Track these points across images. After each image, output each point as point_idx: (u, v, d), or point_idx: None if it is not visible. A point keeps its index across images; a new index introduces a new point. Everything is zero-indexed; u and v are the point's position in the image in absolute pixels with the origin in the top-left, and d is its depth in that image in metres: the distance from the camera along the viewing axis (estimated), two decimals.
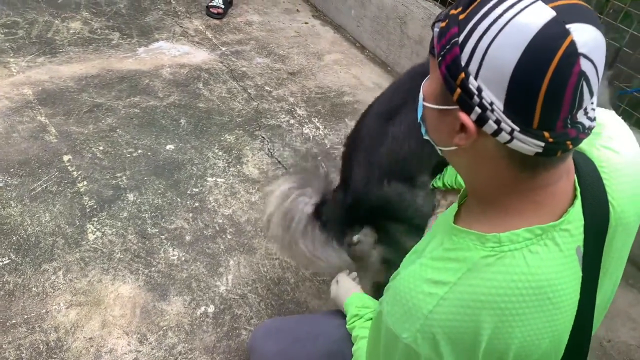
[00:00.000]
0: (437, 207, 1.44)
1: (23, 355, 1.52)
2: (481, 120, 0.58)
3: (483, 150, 0.61)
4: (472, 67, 0.57)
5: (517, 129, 0.57)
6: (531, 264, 0.63)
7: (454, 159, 0.70)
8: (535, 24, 0.53)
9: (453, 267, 0.65)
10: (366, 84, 3.00)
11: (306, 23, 3.58)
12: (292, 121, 2.61)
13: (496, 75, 0.55)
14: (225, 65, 2.97)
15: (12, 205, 1.97)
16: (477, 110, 0.58)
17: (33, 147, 2.24)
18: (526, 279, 0.63)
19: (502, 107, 0.56)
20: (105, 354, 1.55)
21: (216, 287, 1.77)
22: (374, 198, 1.37)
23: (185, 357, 1.56)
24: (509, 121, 0.57)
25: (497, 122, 0.57)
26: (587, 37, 0.54)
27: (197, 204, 2.08)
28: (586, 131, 0.59)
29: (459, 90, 0.58)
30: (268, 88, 2.84)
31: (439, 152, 0.70)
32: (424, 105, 0.68)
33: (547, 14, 0.54)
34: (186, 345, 1.59)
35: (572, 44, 0.53)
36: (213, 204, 2.09)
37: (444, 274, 0.65)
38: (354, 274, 1.54)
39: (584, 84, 0.55)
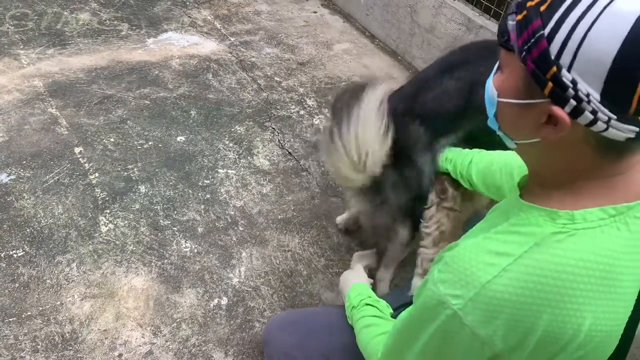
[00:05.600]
0: (429, 199, 1.41)
1: (39, 346, 1.53)
2: (576, 112, 0.57)
3: (569, 139, 0.60)
4: (565, 60, 0.56)
5: (614, 117, 0.56)
6: (602, 245, 0.62)
7: (530, 150, 0.68)
8: (632, 12, 0.52)
9: (519, 241, 0.64)
10: (377, 73, 2.97)
11: (315, 12, 3.55)
12: (302, 112, 2.60)
13: (593, 66, 0.54)
14: (235, 56, 2.95)
15: (25, 197, 1.98)
16: (572, 102, 0.57)
17: (44, 139, 2.24)
18: (595, 260, 0.61)
19: (598, 98, 0.56)
20: (120, 346, 1.56)
21: (229, 279, 1.77)
22: (402, 127, 1.36)
23: (199, 349, 1.56)
24: (605, 110, 0.56)
25: (594, 112, 0.56)
26: None
27: (208, 196, 2.07)
28: None
29: (550, 84, 0.57)
30: (278, 78, 2.82)
31: (509, 145, 0.69)
32: (499, 102, 0.66)
33: (638, 4, 0.53)
34: (200, 337, 1.60)
35: None
36: (224, 195, 2.08)
37: (509, 246, 0.64)
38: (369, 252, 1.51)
39: None
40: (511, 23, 0.60)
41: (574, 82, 0.56)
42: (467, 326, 0.64)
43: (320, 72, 2.91)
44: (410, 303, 1.30)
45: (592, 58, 0.54)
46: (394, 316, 1.15)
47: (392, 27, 3.19)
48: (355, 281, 1.27)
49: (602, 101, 0.55)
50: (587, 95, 0.55)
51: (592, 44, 0.54)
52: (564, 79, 0.56)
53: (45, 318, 1.61)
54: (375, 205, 1.48)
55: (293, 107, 2.62)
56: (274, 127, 2.47)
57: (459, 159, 1.32)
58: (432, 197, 1.42)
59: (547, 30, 0.56)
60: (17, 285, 1.69)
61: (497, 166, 1.19)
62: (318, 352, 1.18)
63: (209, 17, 3.28)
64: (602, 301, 0.62)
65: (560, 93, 0.57)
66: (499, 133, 0.71)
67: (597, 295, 0.61)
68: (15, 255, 1.77)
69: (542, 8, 0.57)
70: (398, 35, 3.15)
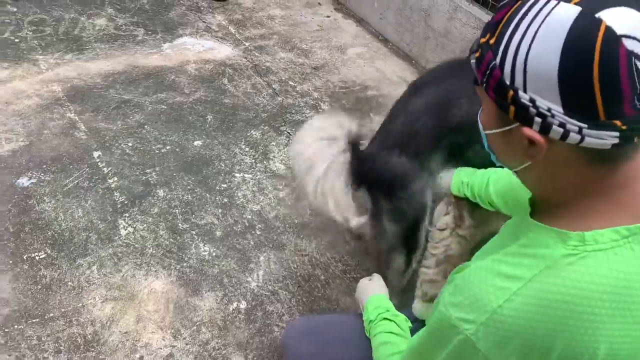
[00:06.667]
0: (443, 221, 1.42)
1: (62, 347, 1.56)
2: (545, 128, 0.58)
3: (558, 157, 0.61)
4: (518, 82, 0.58)
5: (585, 125, 0.56)
6: (615, 267, 0.61)
7: (529, 176, 0.69)
8: (563, 25, 0.54)
9: (529, 264, 0.63)
10: (390, 77, 2.98)
11: (328, 16, 3.57)
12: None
13: (543, 82, 0.56)
14: (249, 61, 2.97)
15: (46, 200, 2.01)
16: (537, 120, 0.58)
17: (64, 143, 2.28)
18: (608, 283, 0.60)
19: (561, 110, 0.57)
20: (141, 348, 1.57)
21: (247, 283, 1.79)
22: (381, 163, 1.38)
23: (219, 353, 1.58)
24: (573, 121, 0.57)
25: (562, 125, 0.57)
26: (623, 19, 0.53)
27: (226, 200, 2.09)
28: None
29: (512, 107, 0.60)
30: (292, 83, 2.84)
31: (514, 174, 0.70)
32: (486, 135, 0.69)
33: (572, 11, 0.54)
34: (220, 341, 1.61)
35: (608, 30, 0.53)
36: (241, 199, 2.10)
37: (519, 270, 0.63)
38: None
39: (637, 62, 0.54)
40: (472, 62, 0.64)
41: (532, 100, 0.58)
42: (480, 351, 0.64)
43: (334, 77, 2.93)
44: None
45: (540, 74, 0.56)
46: (414, 329, 1.16)
47: (405, 31, 3.19)
48: (373, 291, 1.27)
49: (567, 112, 0.56)
50: (549, 110, 0.57)
51: (536, 60, 0.56)
52: (522, 100, 0.58)
53: (68, 320, 1.63)
54: (375, 233, 1.51)
55: (308, 111, 2.64)
56: (289, 131, 2.49)
57: (476, 182, 1.32)
58: (449, 220, 1.42)
59: (498, 60, 0.59)
60: (39, 287, 1.71)
61: (517, 183, 1.19)
62: None
63: (223, 22, 3.31)
64: (619, 323, 0.61)
65: (524, 114, 0.59)
66: (497, 163, 0.73)
67: (613, 319, 0.60)
68: (37, 258, 1.80)
69: (492, 41, 0.61)
70: (412, 39, 3.16)
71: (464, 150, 1.31)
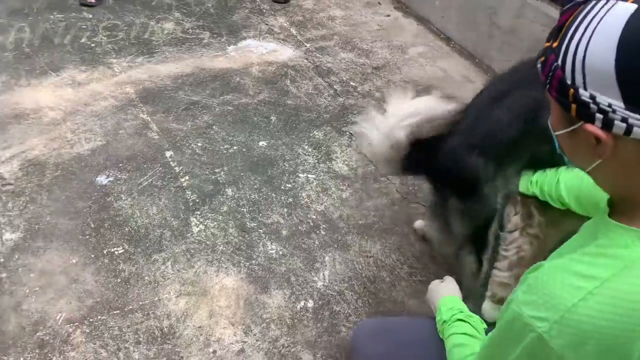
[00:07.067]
0: (513, 222, 1.38)
1: (141, 339, 1.64)
2: (608, 124, 0.60)
3: (627, 154, 0.62)
4: (578, 81, 0.60)
5: None
6: None
7: (601, 175, 0.69)
8: (618, 22, 0.56)
9: (607, 263, 0.63)
10: (454, 76, 2.92)
11: (388, 16, 3.55)
12: None
13: (601, 78, 0.58)
14: (311, 62, 3.00)
15: (123, 198, 2.12)
16: (599, 116, 0.60)
17: (138, 143, 2.39)
18: None
19: (622, 105, 0.58)
20: (214, 343, 1.63)
21: (314, 282, 1.81)
22: (462, 162, 1.38)
23: (288, 350, 1.61)
24: (635, 115, 0.58)
25: (624, 120, 0.58)
26: None
27: (290, 200, 2.13)
28: None
29: (574, 105, 0.62)
30: (353, 83, 2.85)
31: (588, 175, 0.71)
32: (556, 137, 0.71)
33: (628, 8, 0.57)
34: (288, 338, 1.64)
35: None
36: (306, 199, 2.13)
37: (596, 269, 0.63)
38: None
39: None
40: (538, 66, 0.67)
41: (592, 97, 0.59)
42: (553, 350, 0.63)
43: (395, 77, 2.91)
44: None
45: (597, 70, 0.58)
46: (489, 330, 1.14)
47: (468, 30, 3.13)
48: (446, 293, 1.26)
49: (628, 107, 0.57)
50: (609, 105, 0.58)
51: (593, 57, 0.58)
52: (583, 97, 0.60)
53: (145, 312, 1.71)
54: (443, 234, 1.51)
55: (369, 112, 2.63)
56: (351, 132, 2.50)
57: (546, 180, 1.29)
58: (518, 220, 1.39)
59: (559, 61, 0.62)
60: (119, 280, 1.81)
61: (589, 181, 1.15)
62: None
63: (285, 24, 3.36)
64: None
65: (585, 111, 0.60)
66: (569, 165, 0.76)
67: None
68: (116, 253, 1.90)
69: (555, 45, 0.64)
70: (476, 37, 3.08)
71: (547, 161, 1.28)
